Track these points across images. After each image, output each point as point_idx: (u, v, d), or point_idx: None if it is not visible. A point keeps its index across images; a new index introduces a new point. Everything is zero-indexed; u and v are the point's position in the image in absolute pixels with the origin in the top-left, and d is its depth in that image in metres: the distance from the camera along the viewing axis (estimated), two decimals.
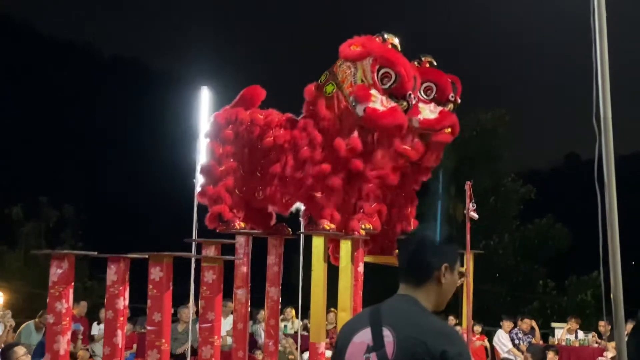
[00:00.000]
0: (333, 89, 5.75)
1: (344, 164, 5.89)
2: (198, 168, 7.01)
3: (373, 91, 5.62)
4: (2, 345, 8.72)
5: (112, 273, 5.58)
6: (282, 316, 10.29)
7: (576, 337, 11.75)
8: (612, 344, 9.18)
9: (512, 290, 21.23)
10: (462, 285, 7.17)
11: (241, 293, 6.49)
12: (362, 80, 5.66)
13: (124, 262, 5.60)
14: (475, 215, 7.16)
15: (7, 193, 25.04)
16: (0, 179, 33.05)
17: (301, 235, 6.99)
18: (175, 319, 9.28)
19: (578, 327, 12.00)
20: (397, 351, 2.17)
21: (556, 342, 11.70)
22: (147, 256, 5.50)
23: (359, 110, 5.60)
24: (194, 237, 7.24)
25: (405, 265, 2.38)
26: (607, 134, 3.48)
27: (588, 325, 14.07)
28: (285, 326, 11.41)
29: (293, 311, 11.74)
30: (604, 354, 10.66)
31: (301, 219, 6.62)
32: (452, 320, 11.92)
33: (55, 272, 5.47)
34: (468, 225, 7.20)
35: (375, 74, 5.64)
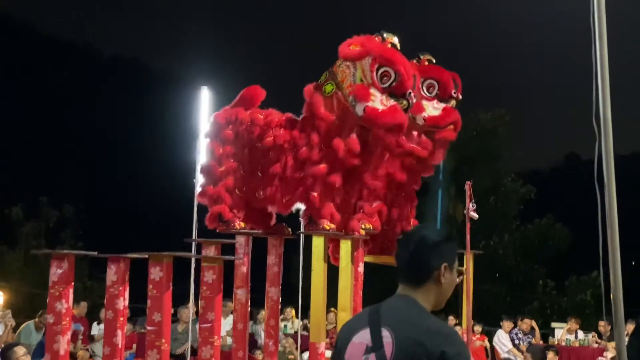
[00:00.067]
0: (332, 89, 5.74)
1: (343, 163, 5.89)
2: (198, 168, 7.02)
3: (372, 90, 5.62)
4: (2, 345, 8.71)
5: (112, 273, 5.58)
6: (282, 316, 10.29)
7: (576, 337, 11.75)
8: (612, 344, 9.18)
9: (512, 291, 21.23)
10: (461, 284, 7.17)
11: (241, 293, 6.48)
12: (361, 80, 5.66)
13: (123, 262, 5.60)
14: (475, 215, 7.16)
15: (7, 193, 25.05)
16: (0, 179, 33.06)
17: (301, 235, 6.99)
18: (175, 319, 9.28)
19: (578, 327, 12.00)
20: (396, 352, 2.17)
21: (556, 342, 11.70)
22: (147, 256, 5.49)
23: (359, 109, 5.60)
24: (193, 237, 7.24)
25: (404, 265, 2.37)
26: (606, 134, 3.48)
27: (588, 326, 14.06)
28: (285, 326, 11.41)
29: (293, 311, 11.74)
30: (604, 354, 10.66)
31: (301, 219, 6.62)
32: (452, 320, 11.92)
33: (55, 272, 5.47)
34: (468, 225, 7.20)
35: (375, 73, 5.63)
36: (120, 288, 5.58)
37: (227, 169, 6.30)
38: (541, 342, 12.08)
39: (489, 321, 13.99)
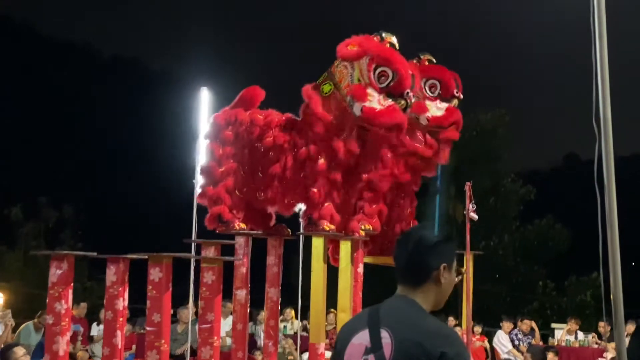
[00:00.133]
0: (330, 89, 5.73)
1: (343, 162, 5.88)
2: (198, 169, 7.02)
3: (370, 90, 5.60)
4: (2, 346, 8.71)
5: (112, 274, 5.58)
6: (281, 317, 10.28)
7: (576, 337, 11.74)
8: (612, 345, 9.18)
9: (511, 291, 21.23)
10: (461, 285, 7.16)
11: (241, 294, 6.48)
12: (359, 80, 5.65)
13: (123, 263, 5.59)
14: (475, 216, 7.15)
15: (7, 193, 25.03)
16: (0, 179, 33.05)
17: (301, 236, 6.98)
18: (174, 319, 9.28)
19: (578, 327, 12.00)
20: (395, 353, 2.17)
21: (556, 343, 11.70)
22: (146, 257, 5.49)
23: (356, 109, 5.59)
24: (193, 238, 7.24)
25: (403, 266, 2.36)
26: (606, 134, 3.48)
27: (588, 326, 14.06)
28: (285, 327, 11.41)
29: (293, 312, 11.73)
30: (604, 354, 10.66)
31: (301, 220, 6.61)
32: (451, 321, 11.93)
33: (55, 272, 5.47)
34: (468, 226, 7.19)
35: (372, 73, 5.62)
36: (120, 289, 5.57)
37: (227, 169, 6.30)
38: (541, 343, 12.07)
39: (488, 322, 13.99)
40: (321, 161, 5.77)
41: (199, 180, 6.75)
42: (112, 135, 44.53)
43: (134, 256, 5.64)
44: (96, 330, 10.70)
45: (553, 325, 13.62)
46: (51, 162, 40.02)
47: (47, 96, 44.78)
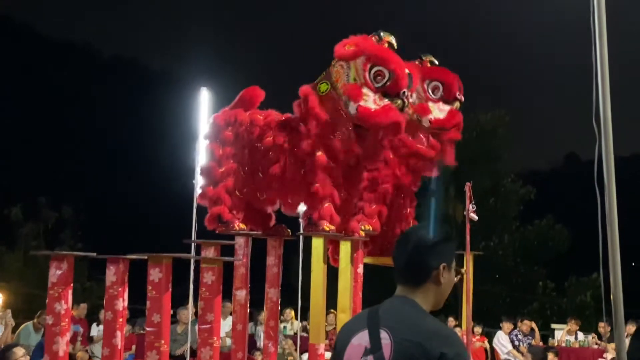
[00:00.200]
0: (327, 88, 5.72)
1: (341, 161, 5.86)
2: (197, 169, 7.02)
3: (365, 90, 5.59)
4: (2, 346, 8.70)
5: (111, 274, 5.57)
6: (281, 317, 10.28)
7: (576, 338, 11.74)
8: (612, 345, 9.17)
9: (511, 292, 21.21)
10: (461, 285, 7.16)
11: (240, 294, 6.48)
12: (355, 79, 5.63)
13: (123, 263, 5.59)
14: (475, 217, 7.15)
15: (7, 193, 25.02)
16: (0, 179, 33.05)
17: (301, 236, 6.98)
18: (174, 320, 9.27)
19: (578, 328, 12.00)
20: (394, 354, 2.16)
21: (556, 344, 11.70)
22: (146, 257, 5.48)
23: (352, 109, 5.57)
24: (193, 238, 7.24)
25: (402, 266, 2.36)
26: (607, 134, 3.47)
27: (588, 327, 14.05)
28: (285, 327, 11.40)
29: (292, 312, 11.73)
30: (604, 355, 10.65)
31: (301, 220, 6.61)
32: (451, 321, 11.92)
33: (55, 273, 5.47)
34: (468, 226, 7.19)
35: (367, 73, 5.61)
36: (120, 289, 5.57)
37: (227, 170, 6.29)
38: (541, 344, 12.07)
39: (488, 322, 13.98)
40: (319, 153, 5.74)
41: (199, 181, 6.75)
42: (112, 135, 44.56)
43: (134, 256, 5.64)
44: (96, 330, 10.69)
45: (553, 325, 13.61)
46: (51, 162, 40.03)
47: (47, 96, 44.80)
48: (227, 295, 6.76)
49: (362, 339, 2.25)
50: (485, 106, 22.39)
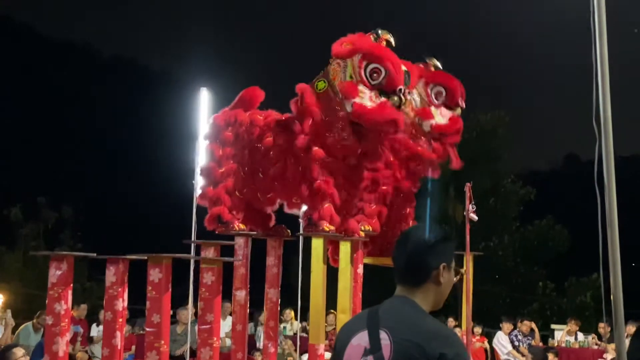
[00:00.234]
0: (324, 86, 5.71)
1: (338, 158, 5.84)
2: (197, 170, 7.02)
3: (361, 87, 5.58)
4: (2, 346, 8.70)
5: (111, 274, 5.57)
6: (281, 318, 10.28)
7: (576, 338, 11.74)
8: (612, 346, 9.17)
9: (511, 292, 21.20)
10: (461, 285, 7.16)
11: (240, 294, 6.48)
12: (351, 77, 5.63)
13: (123, 264, 5.59)
14: (474, 217, 7.15)
15: (6, 194, 25.02)
16: (0, 179, 33.04)
17: (300, 236, 6.98)
18: (174, 320, 9.27)
19: (578, 328, 12.00)
20: (394, 354, 2.16)
21: (556, 344, 11.70)
22: (146, 257, 5.48)
23: (348, 106, 5.56)
24: (193, 239, 7.23)
25: (402, 266, 2.35)
26: (607, 135, 3.47)
27: (588, 327, 14.06)
28: (285, 328, 11.40)
29: (292, 313, 11.73)
30: (604, 355, 10.65)
31: (301, 220, 6.60)
32: (451, 321, 11.92)
33: (54, 273, 5.46)
34: (468, 226, 7.19)
35: (363, 70, 5.60)
36: (119, 289, 5.57)
37: (227, 170, 6.29)
38: (541, 344, 12.07)
39: (488, 323, 13.98)
40: (315, 148, 5.73)
41: (199, 181, 6.75)
42: (112, 135, 44.55)
43: (134, 257, 5.63)
44: (96, 331, 10.70)
45: (553, 326, 13.61)
46: (51, 162, 40.02)
47: (47, 96, 44.81)
48: (227, 295, 6.76)
49: (361, 339, 2.25)
50: (485, 106, 22.41)
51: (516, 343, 11.47)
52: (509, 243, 21.18)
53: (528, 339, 11.58)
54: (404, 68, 5.72)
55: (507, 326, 11.68)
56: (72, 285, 5.63)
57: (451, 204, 18.66)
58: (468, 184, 7.20)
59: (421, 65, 6.33)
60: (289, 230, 6.77)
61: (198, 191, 6.70)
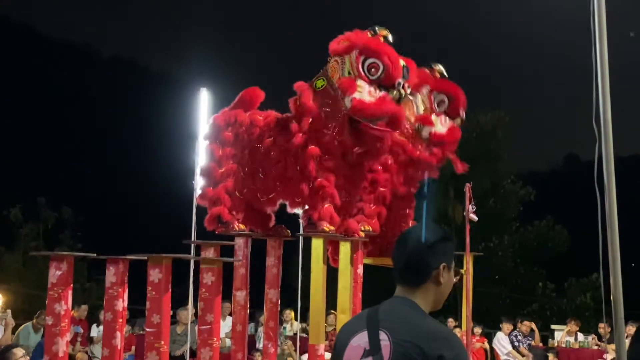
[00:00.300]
0: (323, 84, 5.70)
1: (337, 155, 5.83)
2: (197, 170, 7.01)
3: (359, 82, 5.57)
4: (1, 346, 8.69)
5: (111, 274, 5.57)
6: (281, 318, 10.28)
7: (576, 339, 11.73)
8: (612, 346, 9.16)
9: (511, 292, 21.22)
10: (461, 286, 7.16)
11: (240, 295, 6.47)
12: (349, 73, 5.63)
13: (122, 264, 5.59)
14: (474, 217, 7.15)
15: (6, 194, 25.03)
16: (0, 180, 33.05)
17: (300, 237, 6.97)
18: (174, 320, 9.27)
19: (578, 329, 11.99)
20: (393, 355, 2.16)
21: (556, 344, 11.69)
22: (146, 258, 5.48)
23: (347, 102, 5.55)
24: (193, 239, 7.23)
25: (402, 266, 2.34)
26: (607, 135, 3.47)
27: (587, 328, 14.06)
28: (285, 328, 11.40)
29: (292, 313, 11.72)
30: (604, 356, 10.65)
31: (301, 221, 6.60)
32: (451, 322, 11.92)
33: (54, 273, 5.46)
34: (467, 226, 7.19)
35: (360, 65, 5.60)
36: (119, 290, 5.57)
37: (227, 170, 6.29)
38: (541, 344, 12.07)
39: (488, 323, 13.98)
40: (311, 147, 5.72)
41: (199, 181, 6.74)
42: (112, 135, 44.57)
43: (134, 257, 5.63)
44: (96, 331, 10.70)
45: (553, 326, 13.61)
46: (51, 162, 40.04)
47: (47, 96, 44.81)
48: (227, 295, 6.76)
49: (361, 340, 2.25)
50: (485, 106, 22.41)
51: (516, 343, 11.47)
52: (508, 243, 21.20)
53: (528, 340, 11.58)
54: (402, 63, 5.71)
55: (507, 326, 11.68)
56: (72, 285, 5.62)
57: (451, 204, 18.69)
58: (468, 185, 7.20)
59: (427, 71, 6.33)
60: (288, 231, 6.77)
61: (198, 191, 6.70)
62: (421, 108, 6.24)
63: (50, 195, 22.92)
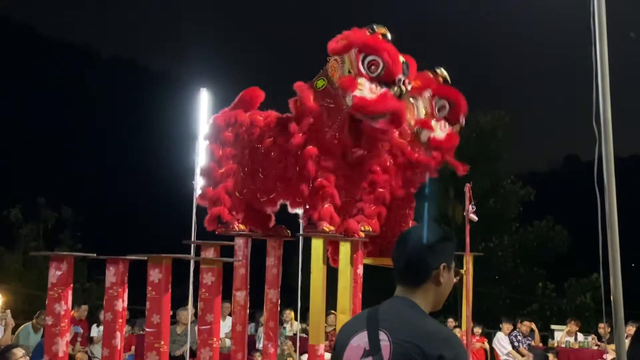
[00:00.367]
0: (324, 84, 5.70)
1: (337, 155, 5.83)
2: (197, 170, 7.01)
3: (360, 80, 5.57)
4: (1, 346, 8.69)
5: (111, 275, 5.57)
6: (281, 318, 10.28)
7: (576, 339, 11.74)
8: (611, 347, 9.16)
9: (511, 293, 21.22)
10: (461, 286, 7.16)
11: (240, 295, 6.47)
12: (349, 72, 5.63)
13: (122, 264, 5.59)
14: (474, 217, 7.15)
15: (6, 194, 25.03)
16: (0, 180, 33.05)
17: (300, 237, 6.97)
18: (174, 320, 9.27)
19: (577, 329, 12.00)
20: (393, 355, 2.16)
21: (556, 345, 11.69)
22: (145, 258, 5.47)
23: (348, 100, 5.55)
24: (193, 239, 7.23)
25: (402, 267, 2.34)
26: (607, 135, 3.47)
27: (587, 328, 14.06)
28: (284, 328, 11.39)
29: (292, 313, 11.72)
30: (604, 356, 10.65)
31: (301, 221, 6.59)
32: (451, 322, 11.93)
33: (54, 273, 5.46)
34: (467, 227, 7.19)
35: (360, 63, 5.59)
36: (119, 290, 5.57)
37: (227, 171, 6.29)
38: (540, 345, 12.07)
39: (488, 323, 13.98)
40: (310, 147, 5.72)
41: (199, 181, 6.74)
42: (112, 135, 44.58)
43: (134, 257, 5.63)
44: (96, 331, 10.70)
45: (552, 326, 13.61)
46: (51, 162, 40.05)
47: (47, 96, 44.82)
48: (227, 296, 6.76)
49: (361, 340, 2.25)
50: (485, 106, 22.42)
51: (516, 343, 11.47)
52: (508, 244, 21.19)
53: (528, 340, 11.58)
54: (402, 59, 5.70)
55: (506, 327, 11.68)
56: (72, 285, 5.62)
57: (451, 204, 18.69)
58: (468, 185, 7.20)
59: (430, 75, 6.34)
60: (288, 231, 6.77)
61: (198, 191, 6.70)
62: (422, 112, 6.26)
63: (50, 195, 22.92)
